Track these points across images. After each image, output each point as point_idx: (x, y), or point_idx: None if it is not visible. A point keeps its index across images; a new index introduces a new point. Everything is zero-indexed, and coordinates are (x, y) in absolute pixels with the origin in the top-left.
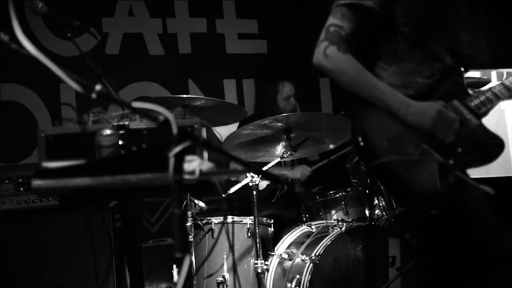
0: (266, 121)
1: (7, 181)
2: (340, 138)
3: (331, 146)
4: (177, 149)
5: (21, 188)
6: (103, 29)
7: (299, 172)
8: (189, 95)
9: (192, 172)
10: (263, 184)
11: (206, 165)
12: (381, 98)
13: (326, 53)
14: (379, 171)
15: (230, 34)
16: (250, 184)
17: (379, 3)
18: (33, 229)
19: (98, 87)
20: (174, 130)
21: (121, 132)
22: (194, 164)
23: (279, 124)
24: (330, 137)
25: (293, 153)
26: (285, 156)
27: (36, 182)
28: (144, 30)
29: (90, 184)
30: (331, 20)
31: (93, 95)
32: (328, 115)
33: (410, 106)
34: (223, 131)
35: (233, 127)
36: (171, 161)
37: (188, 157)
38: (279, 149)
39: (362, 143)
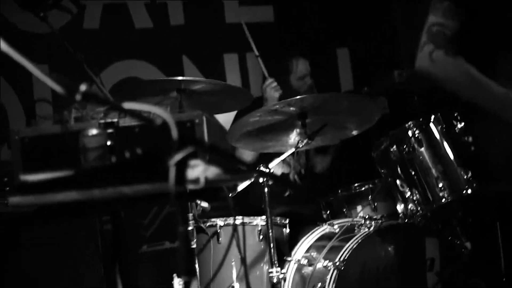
0: (277, 106)
1: None
2: (364, 122)
3: (354, 132)
4: (178, 156)
5: None
6: (80, 0)
7: None
8: (185, 78)
9: (196, 181)
10: None
11: (212, 171)
12: (500, 109)
13: (433, 58)
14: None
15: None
16: (260, 180)
17: None
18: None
19: (83, 87)
20: (174, 134)
21: (109, 131)
22: (198, 171)
23: (291, 108)
24: (353, 122)
25: (309, 141)
26: (300, 145)
27: (14, 199)
28: None
29: (77, 198)
30: (432, 18)
31: (78, 97)
32: (349, 96)
33: None
34: (222, 118)
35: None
36: (172, 170)
37: (191, 162)
38: (293, 137)
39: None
